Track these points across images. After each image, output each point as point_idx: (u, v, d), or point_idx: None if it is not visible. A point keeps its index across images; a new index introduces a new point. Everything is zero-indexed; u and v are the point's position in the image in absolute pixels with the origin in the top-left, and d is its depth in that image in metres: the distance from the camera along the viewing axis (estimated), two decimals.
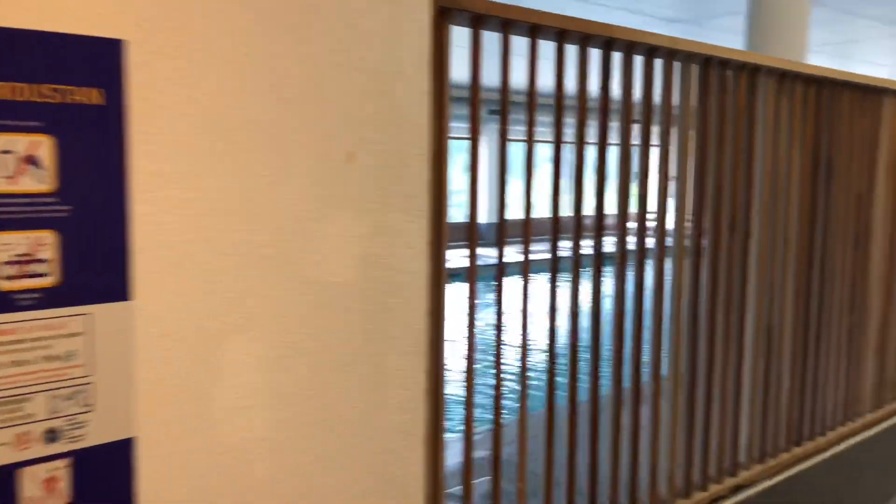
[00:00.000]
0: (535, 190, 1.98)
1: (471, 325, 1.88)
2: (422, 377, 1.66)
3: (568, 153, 1.99)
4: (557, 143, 1.97)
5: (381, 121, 1.53)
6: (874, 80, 3.02)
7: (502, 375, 1.94)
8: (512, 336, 1.97)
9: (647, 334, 2.31)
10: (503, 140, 1.90)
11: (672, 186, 2.32)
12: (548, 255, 1.98)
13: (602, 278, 2.16)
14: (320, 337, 1.47)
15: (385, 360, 1.58)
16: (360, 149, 1.50)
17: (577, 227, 2.06)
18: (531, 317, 2.00)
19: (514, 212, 2.13)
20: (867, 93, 3.06)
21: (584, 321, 2.11)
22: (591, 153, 2.06)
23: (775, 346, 2.78)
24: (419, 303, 1.63)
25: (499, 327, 1.91)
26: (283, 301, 1.42)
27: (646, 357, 2.31)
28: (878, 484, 3.41)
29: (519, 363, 1.98)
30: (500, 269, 1.89)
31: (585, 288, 2.10)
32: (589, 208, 2.07)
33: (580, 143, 2.03)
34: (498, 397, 1.93)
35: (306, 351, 1.46)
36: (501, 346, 1.92)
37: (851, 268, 3.11)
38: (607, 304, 2.20)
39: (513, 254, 1.96)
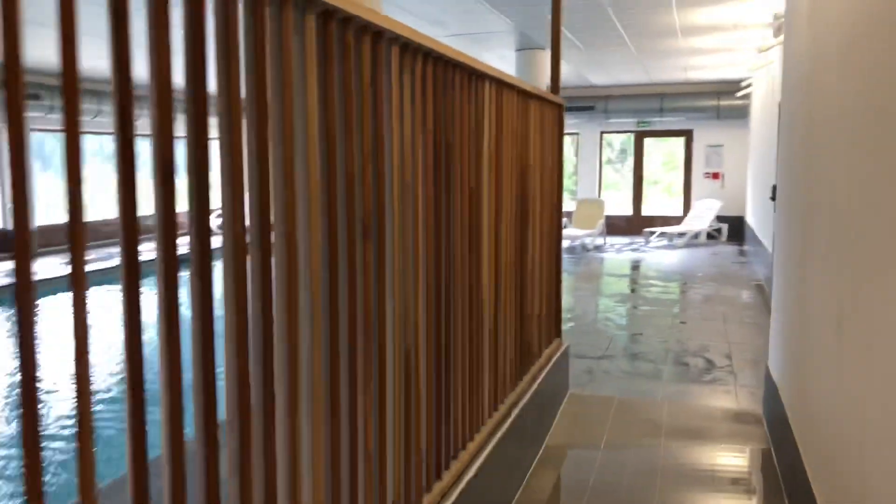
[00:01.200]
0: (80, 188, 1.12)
1: None
2: None
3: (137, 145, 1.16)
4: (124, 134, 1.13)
5: None
6: (476, 62, 2.77)
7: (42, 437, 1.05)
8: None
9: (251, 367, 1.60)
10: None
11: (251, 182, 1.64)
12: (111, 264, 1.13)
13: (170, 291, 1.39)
14: None
15: None
16: None
17: (130, 232, 1.25)
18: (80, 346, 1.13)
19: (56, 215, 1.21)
20: (473, 76, 2.80)
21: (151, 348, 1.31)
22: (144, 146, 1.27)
23: (413, 372, 2.32)
24: None
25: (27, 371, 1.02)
26: None
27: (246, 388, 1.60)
28: (504, 488, 3.28)
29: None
30: (25, 288, 1.00)
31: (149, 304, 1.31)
32: (149, 208, 1.29)
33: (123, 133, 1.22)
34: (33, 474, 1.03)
35: None
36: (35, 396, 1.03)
37: (468, 274, 2.84)
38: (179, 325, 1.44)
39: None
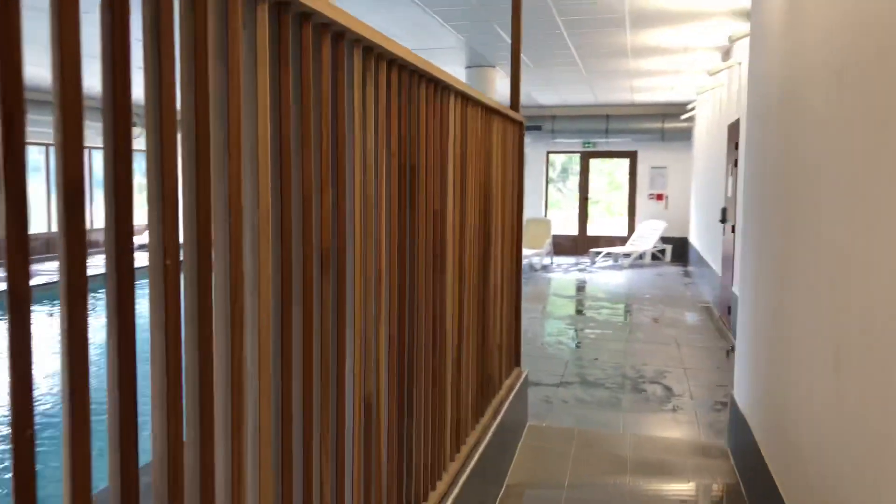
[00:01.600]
0: None
1: None
2: None
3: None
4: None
5: None
6: (443, 73, 2.53)
7: None
8: None
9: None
10: None
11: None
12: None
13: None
14: None
15: None
16: None
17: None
18: None
19: None
20: (439, 88, 2.55)
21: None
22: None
23: (374, 421, 2.03)
24: None
25: None
26: None
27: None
28: None
29: None
30: None
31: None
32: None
33: None
34: None
35: None
36: None
37: (432, 307, 2.58)
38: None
39: None
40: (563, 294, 10.85)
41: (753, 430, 3.60)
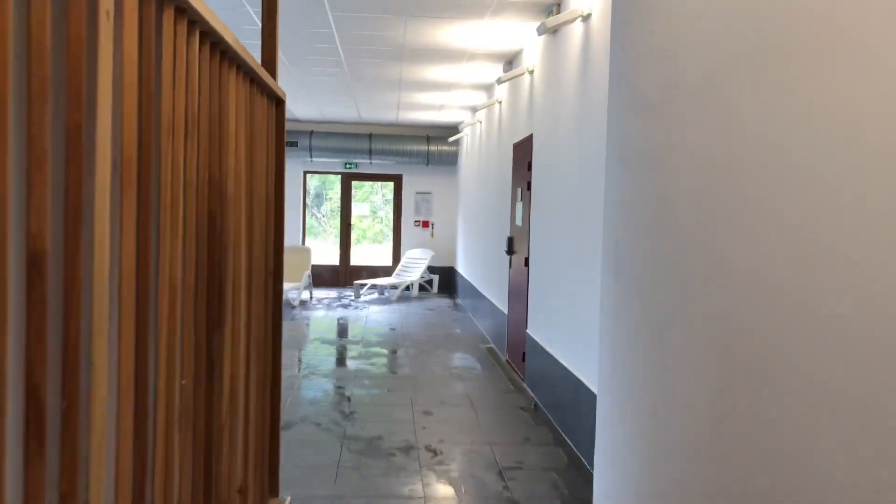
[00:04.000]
0: None
1: None
2: None
3: None
4: None
5: None
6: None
7: None
8: None
9: None
10: None
11: None
12: None
13: None
14: None
15: None
16: None
17: None
18: None
19: None
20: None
21: None
22: None
23: None
24: None
25: None
26: None
27: None
28: None
29: None
30: None
31: None
32: None
33: None
34: None
35: None
36: None
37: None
38: None
39: None
40: (327, 338, 9.14)
41: None
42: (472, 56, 7.62)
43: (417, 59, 7.85)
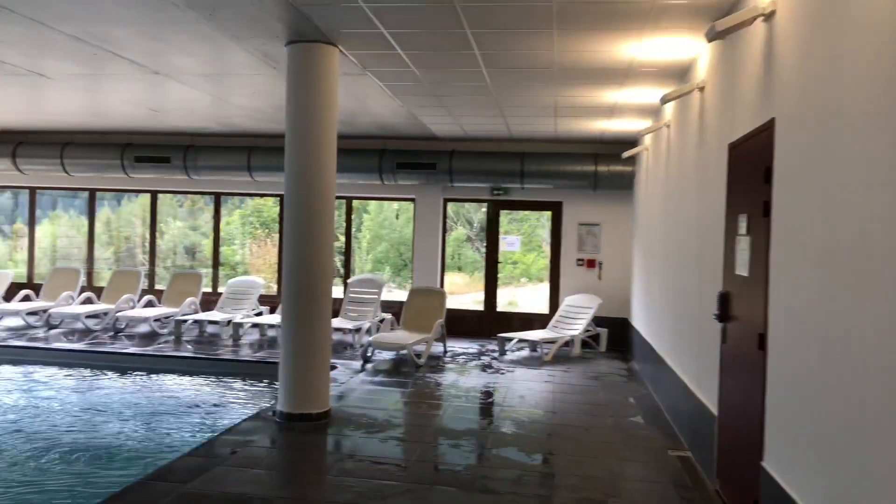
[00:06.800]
0: None
1: None
2: None
3: None
4: None
5: None
6: None
7: None
8: None
9: None
10: None
11: None
12: None
13: None
14: None
15: None
16: None
17: None
18: None
19: None
20: None
21: None
22: None
23: None
24: None
25: None
26: None
27: None
28: None
29: None
30: None
31: None
32: None
33: None
34: None
35: None
36: None
37: None
38: None
39: None
40: (457, 427, 6.64)
41: None
42: (658, 16, 4.89)
43: (576, 33, 5.24)
